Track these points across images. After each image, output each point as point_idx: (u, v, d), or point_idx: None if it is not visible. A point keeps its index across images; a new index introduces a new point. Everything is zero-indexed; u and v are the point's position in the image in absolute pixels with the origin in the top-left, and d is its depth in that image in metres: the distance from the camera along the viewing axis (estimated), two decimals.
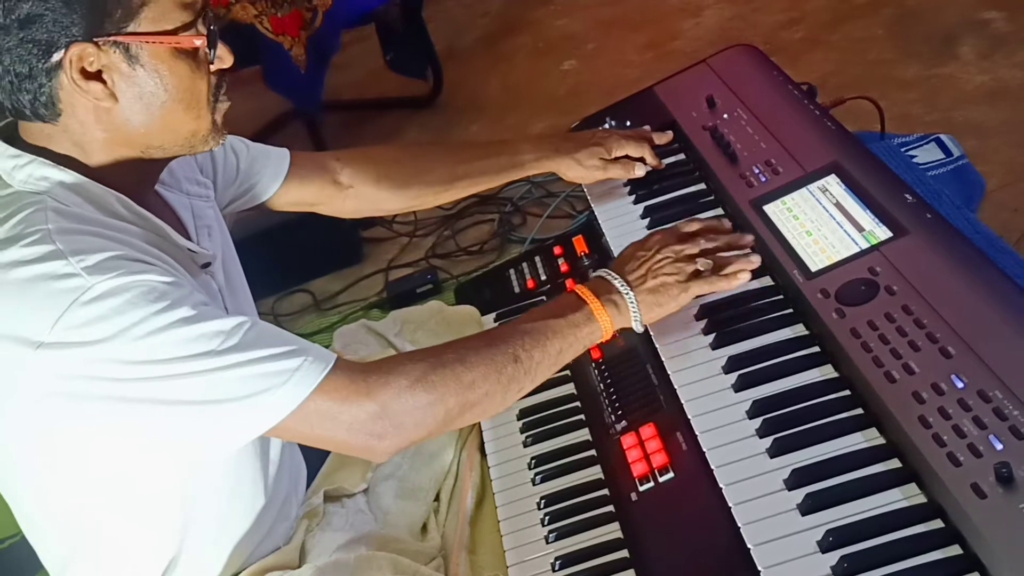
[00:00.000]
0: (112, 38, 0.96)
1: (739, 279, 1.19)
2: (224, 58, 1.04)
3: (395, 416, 1.00)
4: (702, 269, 1.18)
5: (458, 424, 1.08)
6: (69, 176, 1.00)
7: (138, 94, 0.99)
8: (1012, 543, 0.82)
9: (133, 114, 1.00)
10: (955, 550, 0.87)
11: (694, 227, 1.25)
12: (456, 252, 2.35)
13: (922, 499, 0.92)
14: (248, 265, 1.30)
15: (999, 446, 0.88)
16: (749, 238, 1.24)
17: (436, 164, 1.50)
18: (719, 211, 1.38)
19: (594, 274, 1.19)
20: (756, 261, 1.21)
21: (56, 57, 0.95)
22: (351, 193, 1.46)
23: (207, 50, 1.01)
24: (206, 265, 1.12)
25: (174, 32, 0.99)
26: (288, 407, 0.96)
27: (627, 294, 1.15)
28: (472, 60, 3.42)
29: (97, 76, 0.97)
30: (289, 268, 2.38)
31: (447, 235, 2.41)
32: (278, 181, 1.38)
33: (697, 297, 1.20)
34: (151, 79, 0.99)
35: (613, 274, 1.17)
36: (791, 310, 1.17)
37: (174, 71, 1.00)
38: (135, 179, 1.05)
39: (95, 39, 0.95)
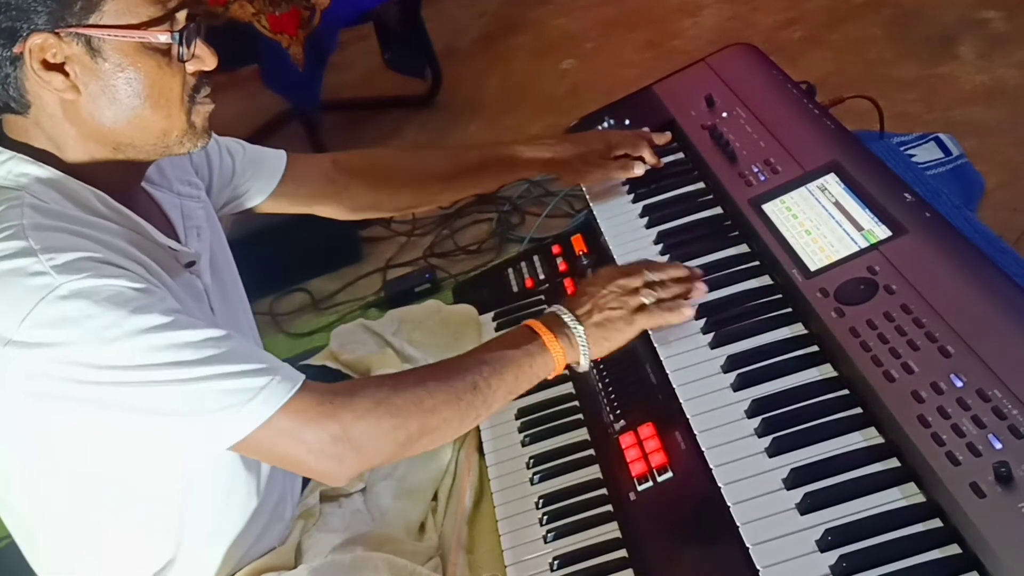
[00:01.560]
0: (73, 29, 0.95)
1: (683, 314, 1.18)
2: (204, 58, 1.02)
3: (356, 439, 1.00)
4: (647, 302, 1.18)
5: (415, 450, 1.07)
6: (48, 172, 0.99)
7: (102, 88, 0.98)
8: (1011, 542, 0.82)
9: (98, 108, 0.99)
10: (954, 549, 0.87)
11: (640, 263, 1.25)
12: (454, 251, 2.34)
13: (921, 498, 0.92)
14: (246, 264, 1.29)
15: (998, 445, 0.88)
16: (697, 271, 1.23)
17: (434, 166, 1.50)
18: (718, 210, 1.38)
19: (547, 311, 1.20)
20: (704, 289, 1.21)
21: (18, 47, 0.94)
22: (348, 195, 1.45)
23: (179, 46, 0.99)
24: (190, 264, 1.11)
25: (139, 27, 0.97)
26: (252, 424, 0.96)
27: (575, 328, 1.15)
28: (471, 59, 3.41)
29: (59, 67, 0.96)
30: (287, 267, 2.37)
31: (445, 234, 2.40)
32: (275, 183, 1.38)
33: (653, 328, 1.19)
34: (115, 73, 0.98)
35: (563, 309, 1.18)
36: (790, 309, 1.17)
37: (139, 67, 0.98)
38: (117, 177, 1.04)
39: (56, 30, 0.94)
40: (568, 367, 1.17)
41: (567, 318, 1.16)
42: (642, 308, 1.18)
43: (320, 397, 0.99)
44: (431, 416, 1.04)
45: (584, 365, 1.16)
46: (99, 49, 0.96)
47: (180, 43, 0.99)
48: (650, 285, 1.20)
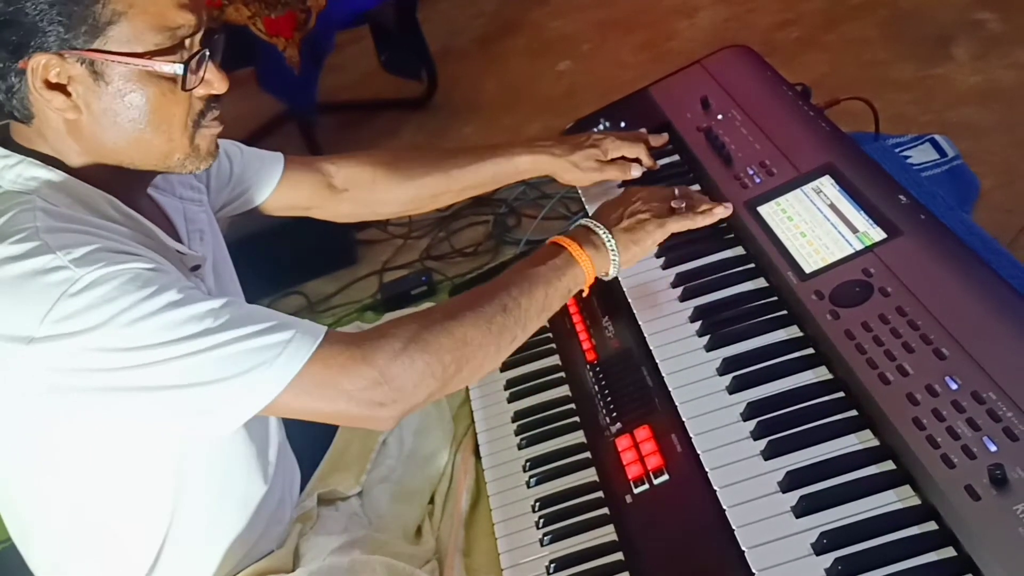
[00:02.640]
0: (77, 52, 0.95)
1: (714, 214, 1.23)
2: (214, 83, 1.02)
3: (394, 379, 0.99)
4: (675, 206, 1.21)
5: (457, 383, 1.06)
6: (58, 176, 1.00)
7: (103, 110, 0.98)
8: (1006, 545, 0.82)
9: (100, 129, 0.99)
10: (949, 552, 0.87)
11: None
12: (451, 254, 2.35)
13: (916, 501, 0.92)
14: (242, 267, 1.29)
15: (993, 448, 0.88)
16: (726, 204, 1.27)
17: (431, 168, 1.50)
18: None
19: (575, 224, 1.21)
20: (729, 208, 1.25)
21: (21, 63, 0.95)
22: (345, 197, 1.45)
23: (186, 76, 0.98)
24: (195, 268, 1.12)
25: (145, 55, 0.96)
26: (283, 380, 0.95)
27: (604, 233, 1.17)
28: (467, 61, 3.41)
29: (62, 87, 0.96)
30: (283, 270, 2.38)
31: (442, 237, 2.41)
32: (272, 185, 1.38)
33: (670, 237, 1.22)
34: (118, 97, 0.97)
35: (591, 220, 1.20)
36: (785, 312, 1.17)
37: (143, 93, 0.98)
38: (123, 183, 1.05)
39: (61, 51, 0.94)
40: (597, 280, 1.18)
41: (594, 226, 1.18)
42: (671, 212, 1.21)
43: (347, 344, 0.99)
44: (464, 345, 1.03)
45: (613, 271, 1.18)
46: (102, 73, 0.96)
47: (186, 73, 0.98)
48: (678, 195, 1.24)
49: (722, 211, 1.24)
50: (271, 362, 0.95)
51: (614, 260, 1.17)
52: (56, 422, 0.97)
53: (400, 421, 1.04)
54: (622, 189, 1.50)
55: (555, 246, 1.16)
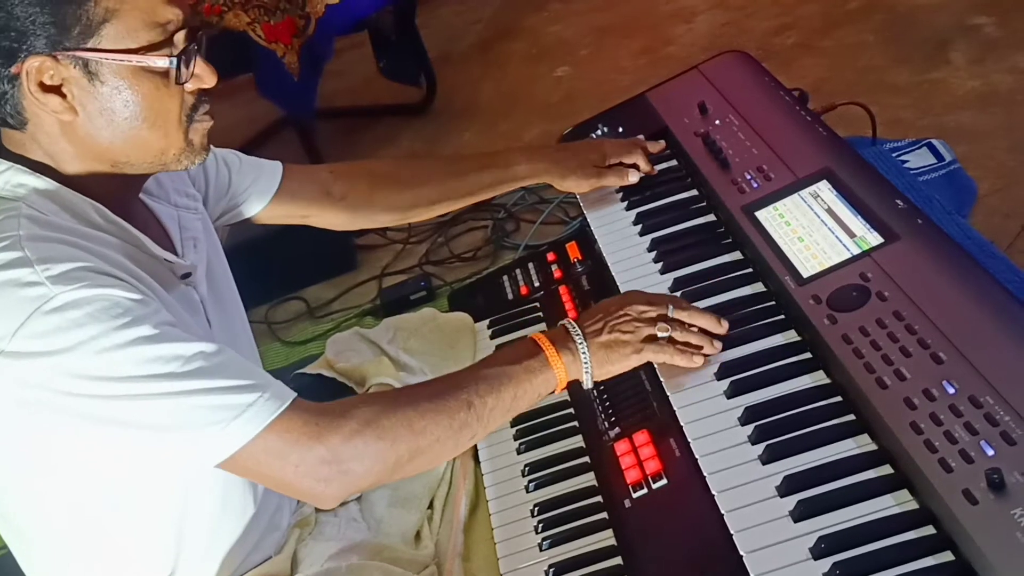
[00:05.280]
0: (71, 53, 0.95)
1: (693, 361, 1.13)
2: (204, 77, 1.02)
3: (344, 462, 0.98)
4: (659, 335, 1.13)
5: (407, 472, 1.05)
6: (45, 183, 1.00)
7: (99, 109, 0.98)
8: (1004, 549, 0.82)
9: (96, 129, 0.99)
10: (947, 556, 0.87)
11: (668, 297, 1.21)
12: (450, 259, 2.35)
13: (914, 505, 0.92)
14: (241, 273, 1.30)
15: (990, 452, 0.88)
16: (724, 326, 1.16)
17: (429, 176, 1.50)
18: (711, 217, 1.38)
19: (558, 324, 1.18)
20: (718, 348, 1.14)
21: (14, 68, 0.95)
22: (344, 205, 1.45)
23: (178, 70, 0.98)
24: (185, 276, 1.11)
25: (138, 51, 0.97)
26: (237, 443, 0.95)
27: (581, 344, 1.13)
28: (466, 66, 3.42)
29: (56, 89, 0.96)
30: (282, 276, 2.38)
31: (441, 242, 2.41)
32: (270, 194, 1.38)
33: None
34: (113, 96, 0.98)
35: (573, 324, 1.15)
36: (783, 316, 1.17)
37: (138, 89, 0.98)
38: (114, 189, 1.04)
39: (54, 53, 0.95)
40: (572, 383, 1.14)
41: (575, 333, 1.14)
42: (653, 339, 1.14)
43: (307, 417, 0.98)
44: (422, 437, 1.02)
45: (587, 383, 1.14)
46: (97, 72, 0.96)
47: (179, 66, 0.99)
48: (669, 322, 1.15)
49: (699, 360, 1.13)
50: (226, 423, 0.94)
51: (587, 372, 1.13)
52: (24, 435, 0.97)
53: (341, 501, 1.03)
54: (620, 194, 1.51)
55: (533, 344, 1.12)
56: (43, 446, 0.98)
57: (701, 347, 1.14)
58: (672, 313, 1.15)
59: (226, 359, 0.97)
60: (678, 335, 1.14)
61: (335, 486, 0.99)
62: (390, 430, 1.01)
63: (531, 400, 1.11)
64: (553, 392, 1.13)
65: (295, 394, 0.99)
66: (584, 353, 1.12)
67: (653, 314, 1.15)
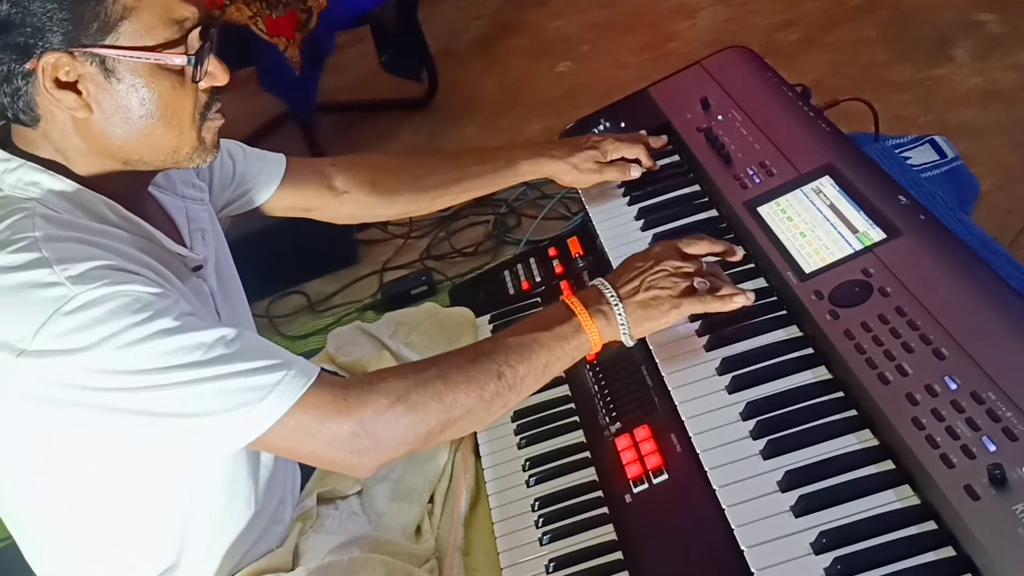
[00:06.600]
0: (88, 50, 0.95)
1: (734, 302, 1.13)
2: (216, 75, 1.02)
3: (376, 434, 0.99)
4: (698, 287, 1.13)
5: (440, 440, 1.06)
6: (57, 181, 0.99)
7: (115, 107, 0.98)
8: (1005, 544, 0.82)
9: (110, 126, 0.99)
10: (948, 552, 0.87)
11: (697, 246, 1.20)
12: (451, 254, 2.35)
13: (915, 501, 0.92)
14: (243, 267, 1.30)
15: (992, 447, 0.88)
16: (739, 253, 1.22)
17: (431, 171, 1.50)
18: (713, 212, 1.38)
19: (590, 283, 1.17)
20: (751, 297, 1.15)
21: (30, 64, 0.94)
22: (346, 199, 1.45)
23: (196, 68, 0.99)
24: (197, 268, 1.12)
25: (155, 48, 0.97)
26: (267, 422, 0.95)
27: (616, 306, 1.11)
28: (467, 62, 3.42)
29: (72, 86, 0.96)
30: (284, 270, 2.38)
31: (442, 237, 2.41)
32: (273, 186, 1.38)
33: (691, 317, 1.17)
34: (129, 93, 0.98)
35: (606, 284, 1.14)
36: (785, 311, 1.17)
37: (154, 87, 0.98)
38: (124, 185, 1.05)
39: (71, 49, 0.94)
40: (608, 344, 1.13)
41: (608, 294, 1.13)
42: (691, 291, 1.13)
43: (335, 392, 0.99)
44: (453, 409, 1.03)
45: (627, 343, 1.13)
46: (113, 69, 0.96)
47: (196, 64, 0.99)
48: (703, 274, 1.15)
49: (743, 300, 1.14)
50: (256, 403, 0.95)
51: (625, 334, 1.12)
52: (45, 433, 0.97)
53: (379, 470, 1.04)
54: (621, 190, 1.51)
55: (565, 308, 1.11)
56: (56, 443, 0.98)
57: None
58: (706, 266, 1.17)
59: (248, 342, 0.98)
60: (717, 282, 1.15)
61: (369, 457, 1.00)
62: (421, 405, 1.01)
63: (564, 364, 1.11)
64: (588, 355, 1.12)
65: (319, 368, 1.00)
66: (620, 315, 1.11)
67: (690, 268, 1.15)
